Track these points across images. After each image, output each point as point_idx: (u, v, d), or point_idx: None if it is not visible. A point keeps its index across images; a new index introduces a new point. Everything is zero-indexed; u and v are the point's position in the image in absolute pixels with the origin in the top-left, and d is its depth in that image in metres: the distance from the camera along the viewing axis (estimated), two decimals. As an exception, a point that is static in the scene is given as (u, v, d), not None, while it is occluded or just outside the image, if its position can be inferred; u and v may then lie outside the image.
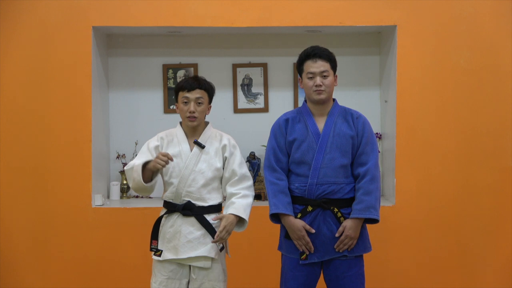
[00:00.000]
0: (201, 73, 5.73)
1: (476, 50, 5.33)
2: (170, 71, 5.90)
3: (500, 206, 5.38)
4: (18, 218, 5.36)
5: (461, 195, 5.38)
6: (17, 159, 5.34)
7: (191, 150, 4.04)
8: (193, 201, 3.99)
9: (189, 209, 3.98)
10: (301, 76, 4.20)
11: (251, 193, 4.14)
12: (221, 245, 4.00)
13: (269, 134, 4.43)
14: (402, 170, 5.40)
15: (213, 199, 4.06)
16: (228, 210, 3.97)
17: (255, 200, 5.44)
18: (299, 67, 4.22)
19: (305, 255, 4.11)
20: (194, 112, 3.96)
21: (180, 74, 5.90)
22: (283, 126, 4.27)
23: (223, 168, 4.09)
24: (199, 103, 3.99)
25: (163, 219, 4.05)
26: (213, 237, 3.94)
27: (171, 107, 5.89)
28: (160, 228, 4.04)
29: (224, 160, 4.08)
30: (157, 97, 5.94)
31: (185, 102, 3.98)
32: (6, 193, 5.34)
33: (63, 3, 5.31)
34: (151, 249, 4.02)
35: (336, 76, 4.19)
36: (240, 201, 4.02)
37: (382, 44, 5.79)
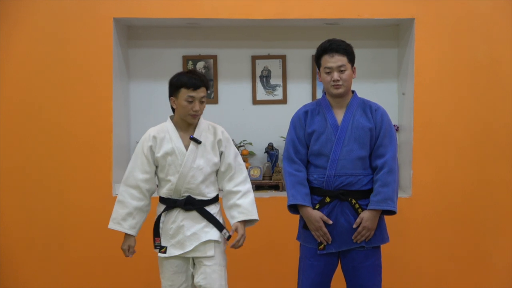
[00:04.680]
0: (221, 65, 5.92)
1: (493, 44, 5.33)
2: (190, 62, 5.91)
3: None
4: (41, 207, 5.39)
5: (476, 188, 5.38)
6: (39, 148, 5.36)
7: (185, 146, 3.99)
8: (193, 196, 3.98)
9: (190, 204, 3.98)
10: (319, 69, 4.20)
11: (249, 186, 4.16)
12: (227, 234, 4.03)
13: (287, 126, 4.43)
14: (419, 162, 5.39)
15: (211, 192, 4.06)
16: (235, 215, 4.04)
17: (273, 191, 5.53)
18: (317, 61, 4.22)
19: (323, 245, 4.13)
20: (198, 111, 3.95)
21: (200, 65, 5.90)
22: (302, 118, 4.28)
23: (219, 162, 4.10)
24: (202, 101, 3.98)
25: (162, 216, 4.04)
26: (218, 228, 4.01)
27: None
28: (161, 225, 4.03)
29: (220, 154, 4.09)
30: None
31: (190, 101, 3.93)
32: (29, 182, 5.37)
33: None
34: (155, 247, 4.03)
35: (355, 68, 4.19)
36: (244, 202, 4.06)
37: (400, 37, 5.78)
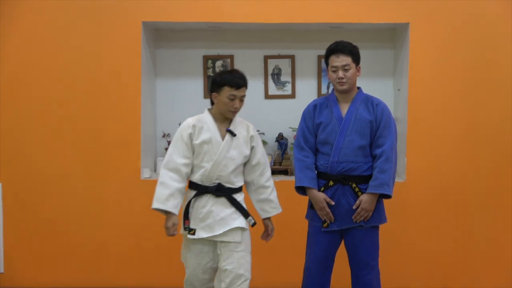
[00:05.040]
0: (237, 64, 5.91)
1: (482, 47, 5.31)
2: (209, 61, 5.88)
3: (500, 185, 5.37)
4: (78, 188, 5.42)
5: (464, 174, 5.38)
6: (76, 138, 5.39)
7: (222, 137, 3.90)
8: (222, 183, 3.89)
9: (221, 191, 3.88)
10: (327, 68, 4.21)
11: (273, 181, 4.15)
12: (253, 221, 3.96)
13: (296, 118, 4.54)
14: (412, 151, 5.38)
15: (239, 182, 3.98)
16: (268, 209, 4.04)
17: (283, 175, 5.59)
18: (325, 60, 4.23)
19: (326, 223, 4.17)
20: (237, 108, 3.88)
21: (218, 64, 5.88)
22: (311, 111, 4.30)
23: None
24: (242, 99, 3.90)
25: (192, 200, 3.92)
26: (244, 215, 3.94)
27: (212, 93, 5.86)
28: (190, 209, 3.91)
29: (251, 149, 4.01)
30: (198, 84, 5.92)
31: (232, 99, 3.84)
32: (68, 167, 5.40)
33: (116, 1, 5.34)
34: (184, 229, 3.89)
35: (359, 67, 4.20)
36: (275, 197, 4.07)
37: (396, 39, 5.75)
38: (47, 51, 5.34)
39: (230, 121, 3.96)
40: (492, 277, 5.38)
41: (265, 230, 4.11)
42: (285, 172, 5.62)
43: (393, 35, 5.77)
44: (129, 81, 5.35)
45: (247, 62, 5.82)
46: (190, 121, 3.93)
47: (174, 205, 3.77)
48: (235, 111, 3.90)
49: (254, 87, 5.73)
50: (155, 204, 3.78)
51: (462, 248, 5.40)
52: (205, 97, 5.91)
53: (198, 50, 5.87)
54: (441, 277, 5.42)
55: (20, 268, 5.43)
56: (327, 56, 4.20)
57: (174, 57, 5.88)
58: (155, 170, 5.77)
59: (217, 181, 3.86)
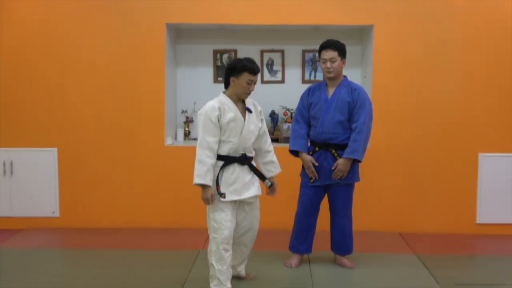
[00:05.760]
0: (239, 56, 5.68)
1: (430, 43, 5.28)
2: (218, 54, 5.83)
3: (444, 147, 5.37)
4: (117, 150, 5.43)
5: (417, 140, 5.36)
6: (115, 112, 5.40)
7: (242, 116, 3.66)
8: (246, 153, 3.68)
9: (245, 160, 3.67)
10: (319, 60, 4.24)
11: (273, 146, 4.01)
12: (269, 183, 3.83)
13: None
14: (376, 125, 5.18)
15: (253, 151, 3.79)
16: (272, 169, 3.85)
17: (275, 143, 5.50)
18: (318, 54, 4.24)
19: (312, 179, 4.22)
20: (252, 90, 3.67)
21: (225, 57, 5.84)
22: (306, 93, 4.34)
23: None
24: (255, 83, 3.68)
25: (221, 170, 3.64)
26: (261, 178, 3.79)
27: (219, 79, 5.83)
28: (220, 177, 3.61)
29: (261, 121, 3.83)
30: (209, 72, 5.86)
31: (249, 83, 3.60)
32: (109, 134, 5.43)
33: (145, 4, 5.30)
34: (218, 194, 3.59)
35: (345, 60, 4.21)
36: (275, 159, 3.88)
37: (363, 37, 5.71)
38: (95, 47, 5.36)
39: (242, 100, 3.73)
40: (439, 222, 5.38)
41: (270, 188, 3.91)
42: (276, 140, 5.58)
43: (361, 34, 5.74)
44: (156, 69, 5.33)
45: (247, 55, 5.42)
46: (214, 104, 3.61)
47: (210, 179, 3.52)
48: (249, 93, 3.69)
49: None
50: (197, 180, 3.51)
51: (415, 198, 5.39)
52: (214, 82, 5.86)
53: (208, 45, 5.82)
54: (398, 222, 5.41)
55: (72, 213, 5.45)
56: (319, 51, 4.20)
57: (190, 50, 5.84)
58: (176, 138, 5.76)
59: (242, 152, 3.65)
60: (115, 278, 4.10)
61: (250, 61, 3.65)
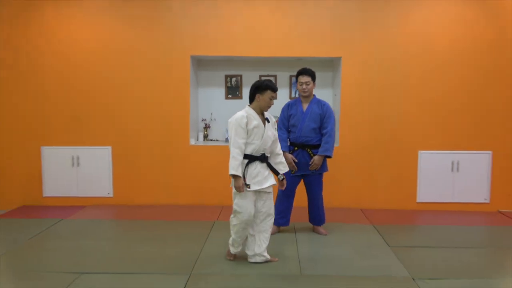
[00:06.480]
0: (244, 80, 5.76)
1: (386, 71, 5.26)
2: (228, 78, 5.76)
3: (393, 146, 5.31)
4: (155, 148, 5.38)
5: (373, 140, 5.33)
6: (154, 120, 5.36)
7: (264, 124, 3.51)
8: (265, 153, 3.53)
9: (264, 158, 3.53)
10: (297, 82, 4.15)
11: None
12: (282, 177, 3.64)
13: (277, 110, 4.60)
14: (342, 129, 5.32)
15: (269, 153, 3.62)
16: (282, 168, 3.64)
17: None
18: (296, 78, 4.14)
19: (293, 171, 4.17)
20: (272, 105, 3.53)
21: (233, 80, 5.73)
22: (286, 107, 4.24)
23: None
24: (275, 99, 3.56)
25: (246, 166, 3.48)
26: (275, 173, 3.61)
27: (229, 96, 5.75)
28: (245, 171, 3.45)
29: (275, 130, 3.67)
30: (221, 91, 5.79)
31: (271, 98, 3.48)
32: (150, 135, 5.38)
33: (176, 42, 5.25)
34: (244, 184, 3.42)
35: (315, 83, 4.14)
36: (284, 160, 3.69)
37: (334, 66, 5.63)
38: (141, 72, 5.28)
39: (262, 113, 3.55)
40: (389, 201, 5.33)
41: (280, 181, 3.68)
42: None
43: (332, 64, 5.69)
44: (183, 89, 5.32)
45: (249, 79, 5.72)
46: (243, 114, 3.47)
47: (240, 171, 3.38)
48: (270, 107, 3.53)
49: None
50: (232, 171, 3.34)
51: (372, 183, 5.33)
52: (225, 98, 5.76)
53: (221, 72, 5.77)
54: (358, 201, 5.36)
55: (122, 194, 5.43)
56: (297, 76, 4.10)
57: (207, 75, 5.78)
58: (197, 139, 5.72)
59: (262, 152, 3.51)
60: (155, 239, 4.14)
61: (271, 81, 3.51)
